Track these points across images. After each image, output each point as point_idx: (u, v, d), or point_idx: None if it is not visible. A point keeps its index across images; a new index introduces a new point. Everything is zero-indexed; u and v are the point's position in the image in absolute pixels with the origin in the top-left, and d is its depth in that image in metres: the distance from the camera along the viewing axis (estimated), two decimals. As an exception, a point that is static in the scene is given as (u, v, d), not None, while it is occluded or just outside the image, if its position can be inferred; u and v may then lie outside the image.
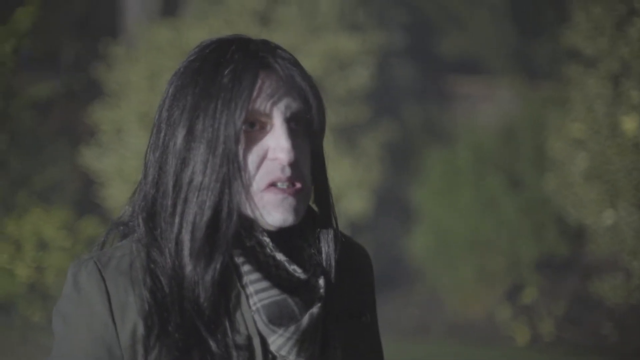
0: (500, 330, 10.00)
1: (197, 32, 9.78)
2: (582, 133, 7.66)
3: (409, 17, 13.83)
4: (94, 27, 13.91)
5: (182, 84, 1.61)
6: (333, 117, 10.41)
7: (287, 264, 1.59)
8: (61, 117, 11.59)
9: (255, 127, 1.58)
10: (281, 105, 1.58)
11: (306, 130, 1.62)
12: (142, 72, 10.09)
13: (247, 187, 1.56)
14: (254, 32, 9.92)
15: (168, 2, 12.97)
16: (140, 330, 1.55)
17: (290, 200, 1.57)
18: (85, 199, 10.33)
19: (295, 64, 1.61)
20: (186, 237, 1.56)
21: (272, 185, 1.57)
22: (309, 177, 1.61)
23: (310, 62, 10.22)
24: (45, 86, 10.16)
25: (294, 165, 1.58)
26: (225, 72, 1.58)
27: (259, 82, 1.57)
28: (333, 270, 1.64)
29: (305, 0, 10.66)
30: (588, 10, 7.78)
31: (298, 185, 1.58)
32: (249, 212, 1.57)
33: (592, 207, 7.63)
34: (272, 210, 1.57)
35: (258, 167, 1.57)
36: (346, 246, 1.72)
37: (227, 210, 1.56)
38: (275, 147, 1.57)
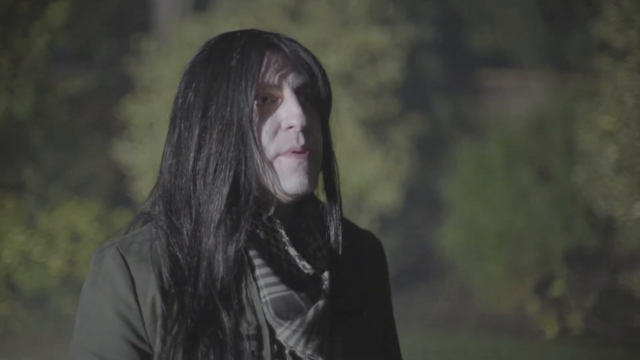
0: (530, 324, 9.99)
1: (227, 27, 9.79)
2: (612, 125, 7.64)
3: (439, 11, 13.83)
4: (127, 23, 14.00)
5: (193, 75, 1.68)
6: (363, 110, 10.43)
7: (297, 260, 1.64)
8: (94, 112, 11.67)
9: (267, 101, 1.65)
10: (289, 77, 1.65)
11: (314, 105, 1.69)
12: (173, 67, 10.14)
13: (263, 157, 1.62)
14: (284, 26, 9.95)
15: (199, -3, 13.03)
16: (159, 306, 1.60)
17: (305, 165, 1.63)
18: (118, 192, 10.40)
19: (297, 42, 1.69)
20: (206, 212, 1.61)
21: (288, 152, 1.63)
22: (321, 146, 1.68)
23: (341, 56, 10.25)
24: (78, 81, 10.24)
25: (306, 132, 1.64)
26: (234, 54, 1.65)
27: (266, 59, 1.65)
28: (339, 262, 1.69)
29: (335, -6, 10.69)
30: (618, 3, 7.76)
31: (311, 151, 1.65)
32: (266, 180, 1.63)
33: (622, 199, 7.60)
34: (289, 175, 1.63)
35: (272, 137, 1.63)
36: (355, 237, 1.78)
37: (246, 180, 1.61)
38: (287, 116, 1.64)
